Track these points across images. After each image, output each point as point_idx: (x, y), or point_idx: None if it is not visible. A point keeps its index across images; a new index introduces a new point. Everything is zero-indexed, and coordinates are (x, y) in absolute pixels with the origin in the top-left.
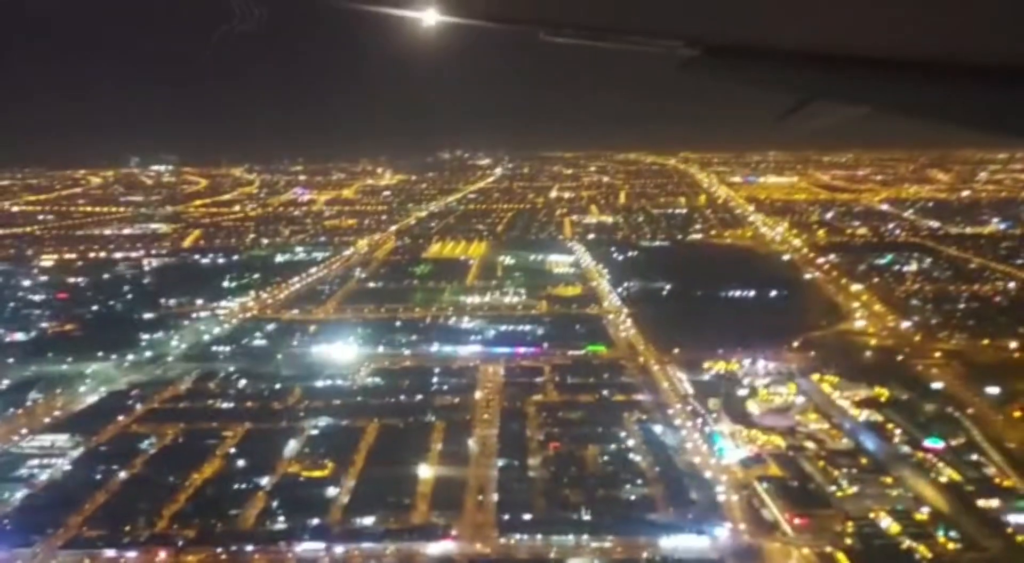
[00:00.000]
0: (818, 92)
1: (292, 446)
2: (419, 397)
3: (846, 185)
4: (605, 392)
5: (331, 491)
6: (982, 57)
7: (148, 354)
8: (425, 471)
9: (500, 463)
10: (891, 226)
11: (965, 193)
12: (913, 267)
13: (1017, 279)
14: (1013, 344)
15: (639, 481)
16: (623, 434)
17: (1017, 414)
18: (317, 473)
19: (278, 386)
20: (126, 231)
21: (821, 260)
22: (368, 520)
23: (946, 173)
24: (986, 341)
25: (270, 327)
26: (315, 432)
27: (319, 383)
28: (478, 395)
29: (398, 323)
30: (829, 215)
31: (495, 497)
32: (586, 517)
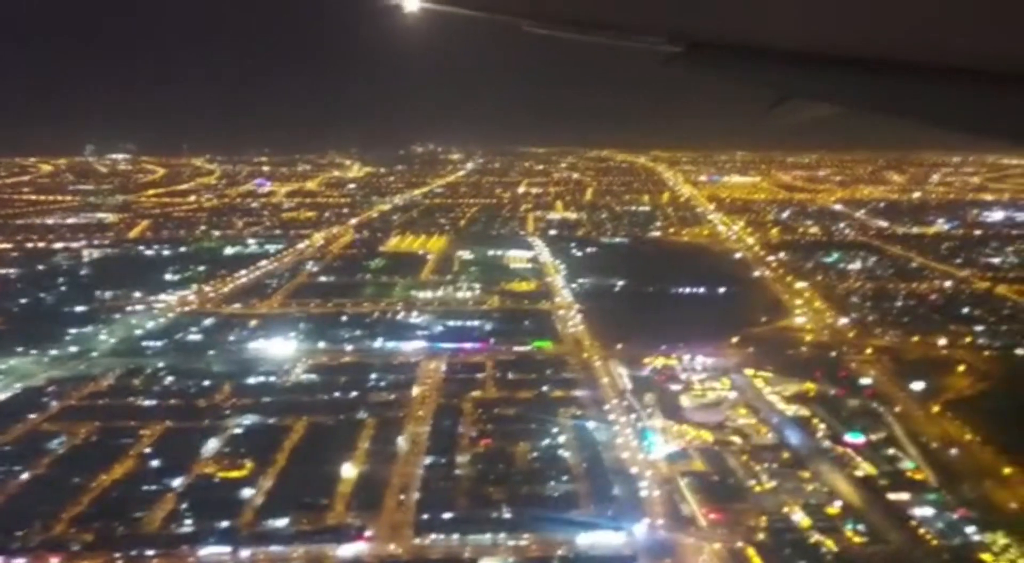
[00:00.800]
0: (797, 90)
1: (211, 445)
2: (354, 394)
3: (805, 185)
4: (544, 388)
5: (246, 492)
6: (955, 58)
7: (73, 349)
8: (348, 470)
9: (427, 461)
10: (842, 226)
11: (916, 195)
12: (857, 266)
13: (954, 278)
14: (942, 341)
15: (564, 478)
16: (556, 430)
17: (936, 409)
18: (234, 473)
19: (207, 383)
20: (70, 220)
21: (771, 258)
22: (281, 522)
23: (901, 175)
24: (917, 338)
25: (208, 322)
26: (239, 431)
27: (251, 380)
28: (415, 391)
29: (344, 318)
30: (785, 214)
31: (416, 496)
32: (506, 515)
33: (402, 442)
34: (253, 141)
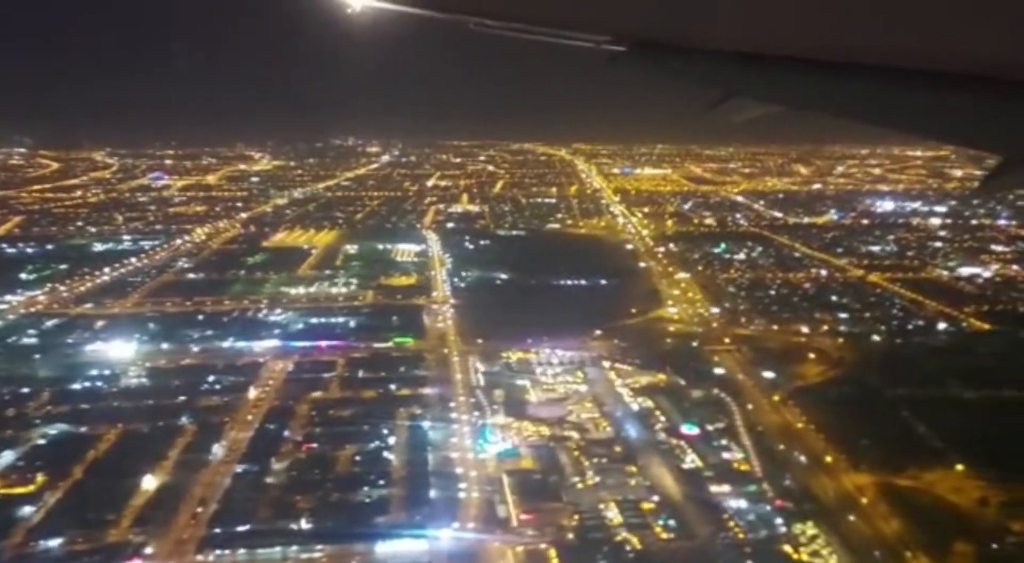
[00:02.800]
0: (740, 89)
1: (5, 458)
2: (182, 398)
3: (713, 177)
4: (392, 386)
5: (25, 510)
6: (894, 57)
7: None
8: (149, 482)
9: (239, 469)
10: (738, 216)
11: (817, 186)
12: (742, 256)
13: (831, 266)
14: (804, 329)
15: (382, 482)
16: (389, 431)
17: (780, 398)
18: (18, 489)
19: (24, 390)
20: None
21: (661, 249)
22: (54, 542)
23: (807, 167)
24: (780, 327)
25: (50, 323)
26: (41, 442)
27: (75, 386)
28: (252, 394)
29: (201, 317)
30: (686, 206)
31: (214, 508)
32: (307, 525)
33: (217, 450)
34: (162, 134)
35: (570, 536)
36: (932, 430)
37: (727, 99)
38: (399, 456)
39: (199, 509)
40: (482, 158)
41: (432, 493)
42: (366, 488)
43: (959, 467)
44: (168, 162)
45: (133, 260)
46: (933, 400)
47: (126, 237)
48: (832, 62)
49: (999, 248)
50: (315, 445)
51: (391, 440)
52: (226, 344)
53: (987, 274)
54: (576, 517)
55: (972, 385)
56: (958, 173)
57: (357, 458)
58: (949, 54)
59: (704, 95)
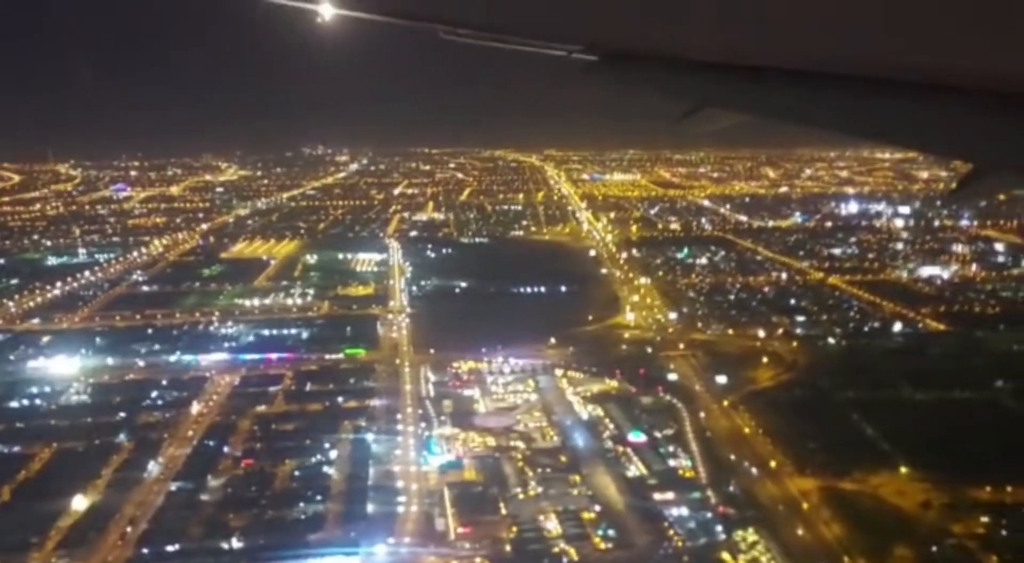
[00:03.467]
0: (710, 99)
1: None
2: (122, 415)
3: (682, 182)
4: (339, 399)
5: None
6: (865, 68)
7: None
8: (79, 502)
9: (173, 487)
10: (703, 221)
11: (783, 189)
12: (704, 260)
13: (792, 269)
14: (761, 333)
15: (319, 498)
16: (330, 445)
17: (731, 403)
18: None
19: None
20: None
21: (624, 255)
22: None
23: (776, 170)
24: (736, 331)
25: None
26: None
27: (12, 404)
28: (195, 409)
29: (150, 331)
30: (653, 211)
31: (144, 528)
32: (239, 544)
33: (153, 467)
34: (130, 146)
35: (507, 548)
36: (880, 432)
37: (698, 110)
38: (340, 470)
39: (128, 529)
40: (452, 165)
41: (370, 508)
42: (302, 504)
43: (905, 469)
44: (133, 173)
45: (87, 273)
46: (883, 402)
47: (82, 250)
48: (803, 72)
49: (959, 249)
50: (254, 461)
51: (332, 454)
52: (173, 358)
53: (946, 275)
54: (514, 529)
55: (924, 386)
56: (924, 175)
57: (296, 473)
58: (919, 65)
59: (675, 104)
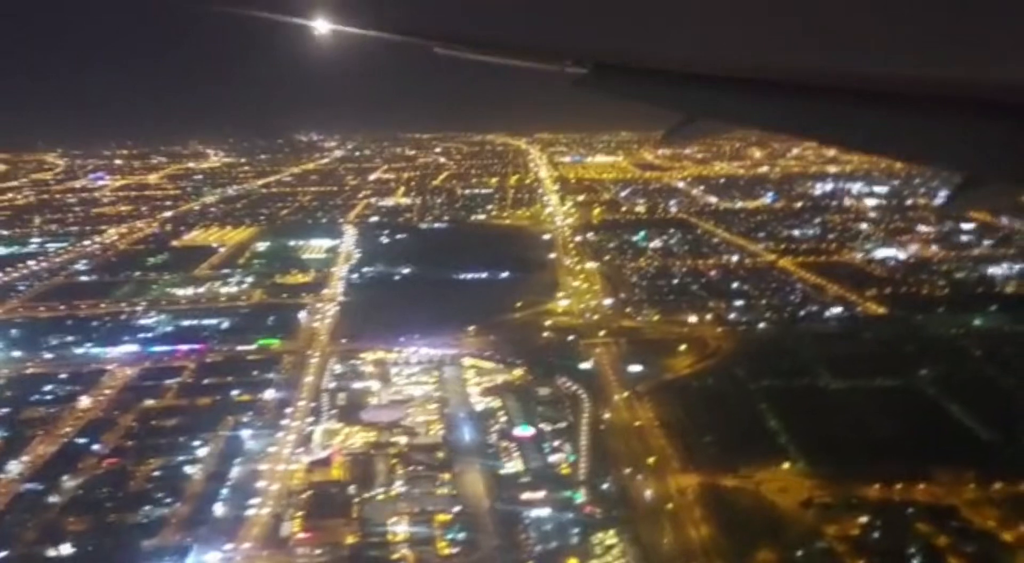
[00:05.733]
0: (702, 110)
1: None
2: (4, 410)
3: (663, 163)
4: (234, 392)
5: None
6: (854, 80)
7: None
8: None
9: (23, 488)
10: (672, 203)
11: (764, 169)
12: (658, 243)
13: (745, 252)
14: (692, 319)
15: (170, 500)
16: (204, 443)
17: (636, 394)
18: None
19: None
20: None
21: (579, 238)
22: None
23: (763, 149)
24: (669, 317)
25: None
26: None
27: None
28: (82, 404)
29: (70, 322)
30: (623, 193)
31: None
32: (69, 550)
33: (13, 466)
34: (121, 134)
35: (343, 554)
36: (783, 425)
37: (688, 122)
38: (203, 470)
39: None
40: (438, 150)
41: (220, 511)
42: (149, 507)
43: (797, 465)
44: (118, 162)
45: (31, 263)
46: (797, 392)
47: (35, 240)
48: (794, 83)
49: (925, 229)
50: (119, 460)
51: (202, 452)
52: (80, 351)
53: (902, 256)
54: (359, 534)
55: (844, 375)
56: None
57: (156, 473)
58: (911, 76)
59: (666, 114)
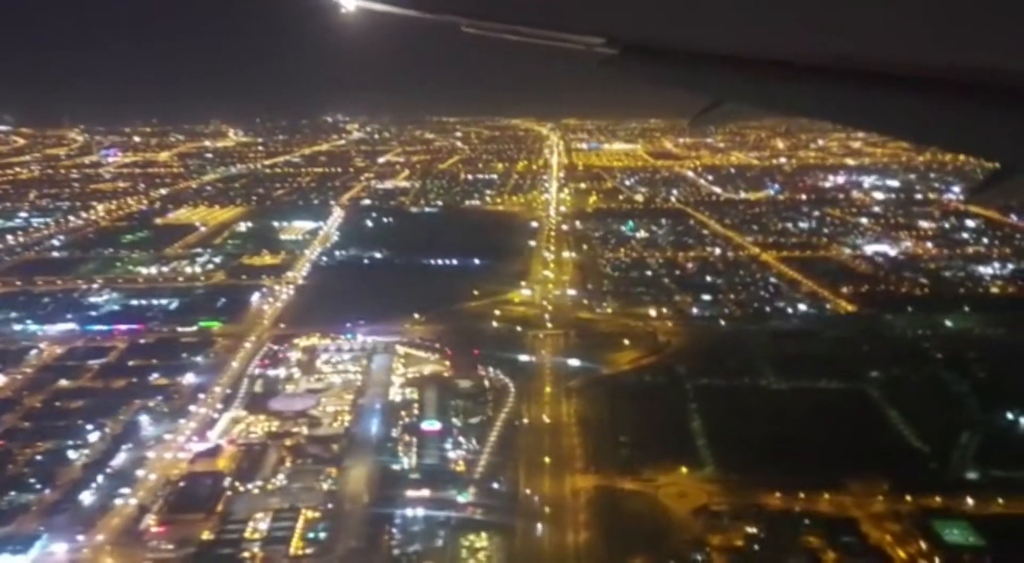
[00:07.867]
0: (730, 95)
1: None
2: None
3: (680, 152)
4: (153, 376)
5: None
6: (890, 65)
7: None
8: None
9: None
10: (674, 192)
11: (781, 160)
12: (644, 234)
13: (731, 244)
14: (652, 312)
15: (40, 486)
16: (99, 427)
17: (566, 389)
18: None
19: None
20: None
21: (565, 227)
22: None
23: (787, 140)
24: (628, 310)
25: None
26: None
27: None
28: None
29: (21, 298)
30: (628, 182)
31: None
32: None
33: None
34: (148, 112)
35: (190, 550)
36: (706, 427)
37: (718, 104)
38: (87, 455)
39: None
40: (458, 134)
41: (87, 499)
42: (15, 493)
43: (704, 469)
44: (137, 139)
45: (8, 238)
46: (733, 392)
47: (22, 215)
48: (823, 67)
49: (926, 224)
50: (4, 442)
51: (93, 437)
52: (19, 327)
53: (892, 252)
54: (216, 529)
55: (790, 375)
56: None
57: (38, 458)
58: (942, 61)
59: (695, 97)
